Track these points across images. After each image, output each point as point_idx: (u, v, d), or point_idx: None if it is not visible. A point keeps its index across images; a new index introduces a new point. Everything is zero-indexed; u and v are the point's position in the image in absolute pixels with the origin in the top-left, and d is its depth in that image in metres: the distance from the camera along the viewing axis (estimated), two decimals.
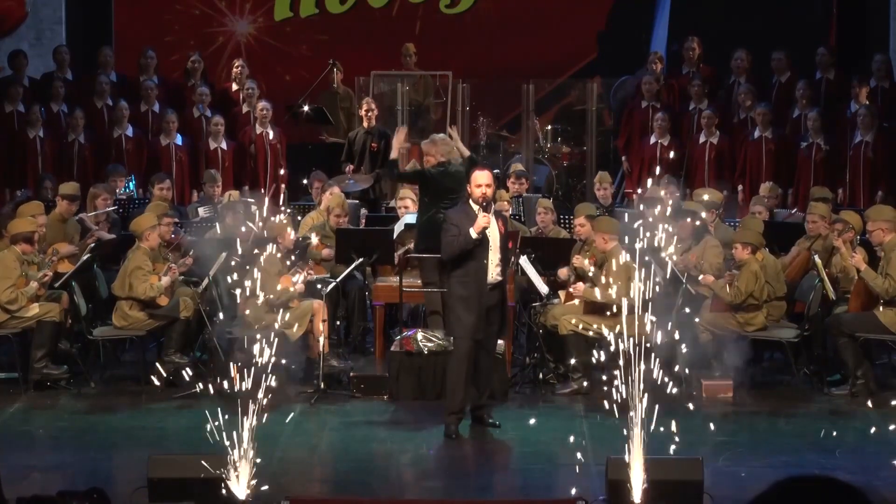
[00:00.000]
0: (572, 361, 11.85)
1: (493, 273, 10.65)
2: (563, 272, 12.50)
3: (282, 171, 16.35)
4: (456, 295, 10.69)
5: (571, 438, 10.04)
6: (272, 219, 12.47)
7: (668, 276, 11.72)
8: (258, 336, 9.24)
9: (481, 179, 10.67)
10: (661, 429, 8.87)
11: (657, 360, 8.85)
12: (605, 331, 10.60)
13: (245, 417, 8.72)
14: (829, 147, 16.01)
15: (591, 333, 11.75)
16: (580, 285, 12.07)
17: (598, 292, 11.63)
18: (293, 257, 12.29)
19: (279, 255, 12.10)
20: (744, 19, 17.55)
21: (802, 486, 3.85)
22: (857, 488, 3.83)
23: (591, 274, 12.00)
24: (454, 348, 10.82)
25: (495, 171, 16.47)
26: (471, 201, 10.70)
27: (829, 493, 3.83)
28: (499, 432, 10.86)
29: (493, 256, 10.65)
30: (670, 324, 10.37)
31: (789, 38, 17.27)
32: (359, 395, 11.84)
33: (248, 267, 11.18)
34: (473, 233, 10.52)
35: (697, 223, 12.68)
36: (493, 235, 10.64)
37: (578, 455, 9.63)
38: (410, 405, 11.63)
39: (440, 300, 11.69)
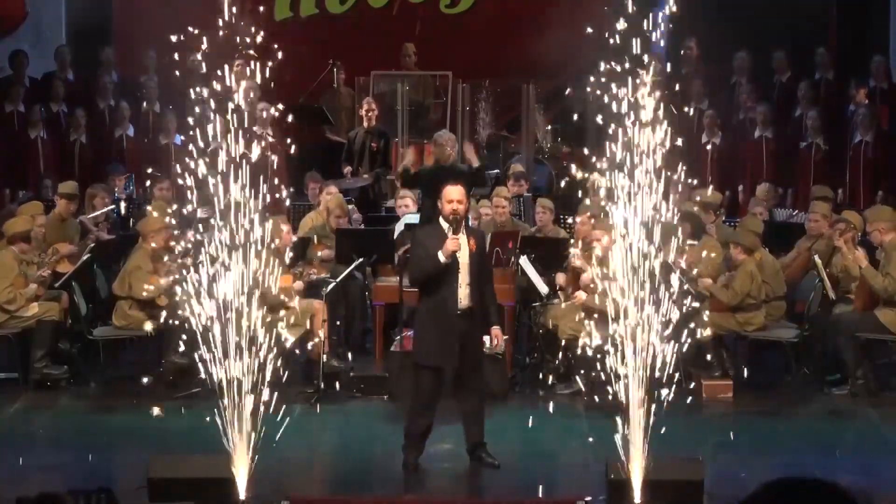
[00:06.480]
0: (572, 362, 11.84)
1: (463, 298, 9.72)
2: (560, 279, 12.39)
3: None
4: (422, 320, 9.89)
5: (571, 438, 10.03)
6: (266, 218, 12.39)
7: (666, 276, 11.69)
8: (258, 336, 9.23)
9: (452, 195, 9.68)
10: (662, 429, 8.87)
11: (657, 359, 8.84)
12: (607, 330, 10.57)
13: (245, 417, 8.72)
14: (829, 147, 16.01)
15: (590, 334, 11.72)
16: (580, 295, 11.99)
17: (597, 299, 11.59)
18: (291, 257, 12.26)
19: (277, 253, 12.05)
20: (744, 19, 17.53)
21: (790, 487, 3.84)
22: (844, 490, 3.83)
23: (589, 273, 11.97)
24: (416, 373, 9.94)
25: (495, 171, 16.55)
26: (440, 219, 9.79)
27: (816, 495, 3.83)
28: (499, 432, 10.82)
29: (463, 279, 9.72)
30: (670, 323, 10.35)
31: (789, 38, 17.26)
32: (359, 395, 11.85)
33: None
34: (442, 257, 9.58)
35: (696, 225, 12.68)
36: (463, 258, 9.71)
37: (578, 455, 9.62)
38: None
39: None
